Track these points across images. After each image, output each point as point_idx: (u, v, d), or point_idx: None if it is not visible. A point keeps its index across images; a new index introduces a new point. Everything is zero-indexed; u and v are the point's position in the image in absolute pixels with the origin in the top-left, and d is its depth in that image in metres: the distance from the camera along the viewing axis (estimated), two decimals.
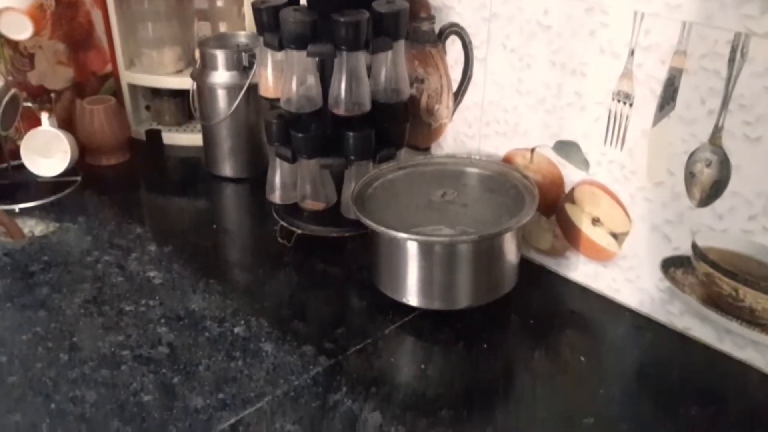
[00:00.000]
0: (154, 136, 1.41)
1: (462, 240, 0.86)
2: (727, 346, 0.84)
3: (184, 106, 1.39)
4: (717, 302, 0.84)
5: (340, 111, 0.97)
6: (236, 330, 0.90)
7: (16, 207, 1.18)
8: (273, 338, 0.88)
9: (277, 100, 1.02)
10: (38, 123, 1.23)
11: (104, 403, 0.78)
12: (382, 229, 0.87)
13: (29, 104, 1.27)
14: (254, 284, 1.01)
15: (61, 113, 1.31)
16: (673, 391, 0.80)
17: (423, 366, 0.85)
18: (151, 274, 1.01)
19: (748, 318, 0.81)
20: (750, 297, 0.80)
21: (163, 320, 0.91)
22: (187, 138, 1.41)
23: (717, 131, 0.77)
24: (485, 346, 0.87)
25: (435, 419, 0.76)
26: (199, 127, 1.34)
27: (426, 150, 1.13)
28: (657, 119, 0.82)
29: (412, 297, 0.90)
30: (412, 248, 0.87)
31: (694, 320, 0.86)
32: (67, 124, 1.30)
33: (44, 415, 0.77)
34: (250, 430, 0.75)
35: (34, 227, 1.13)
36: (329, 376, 0.82)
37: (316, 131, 1.00)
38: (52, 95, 1.31)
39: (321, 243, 1.06)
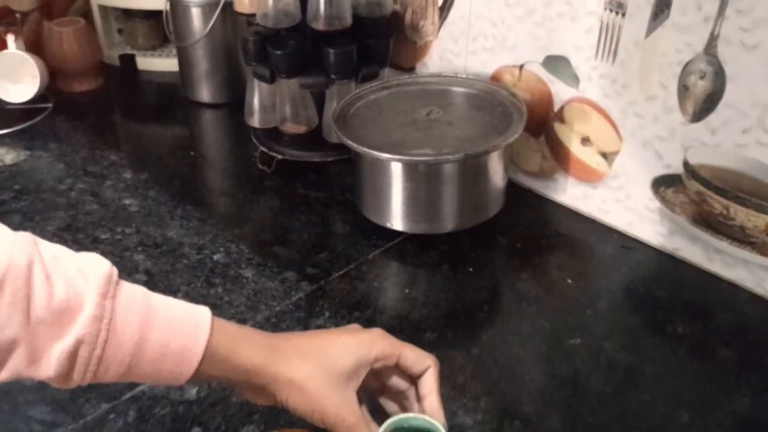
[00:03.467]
0: (128, 61, 1.36)
1: (447, 159, 0.83)
2: (716, 266, 0.83)
3: (158, 28, 1.33)
4: (707, 221, 0.82)
5: (320, 26, 0.92)
6: (215, 257, 0.88)
7: None
8: (254, 264, 0.86)
9: (254, 15, 0.97)
10: (4, 46, 1.18)
11: None
12: (364, 149, 0.83)
13: None
14: (234, 210, 0.98)
15: (28, 36, 1.25)
16: (660, 312, 0.79)
17: (407, 290, 0.83)
18: (127, 201, 0.98)
19: (739, 237, 0.80)
20: (741, 215, 0.78)
21: (140, 248, 0.89)
22: (163, 63, 1.36)
23: (713, 40, 0.74)
24: (471, 269, 0.86)
25: (419, 341, 0.74)
26: (174, 51, 1.29)
27: (411, 70, 1.09)
28: (651, 29, 0.78)
29: (396, 221, 0.88)
30: (396, 169, 0.84)
31: (684, 240, 0.85)
32: (35, 47, 1.24)
33: None
34: None
35: (4, 155, 1.09)
36: (311, 301, 0.80)
37: (294, 48, 0.95)
38: (18, 16, 1.24)
39: (302, 167, 1.03)
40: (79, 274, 0.47)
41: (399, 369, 0.58)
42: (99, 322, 0.46)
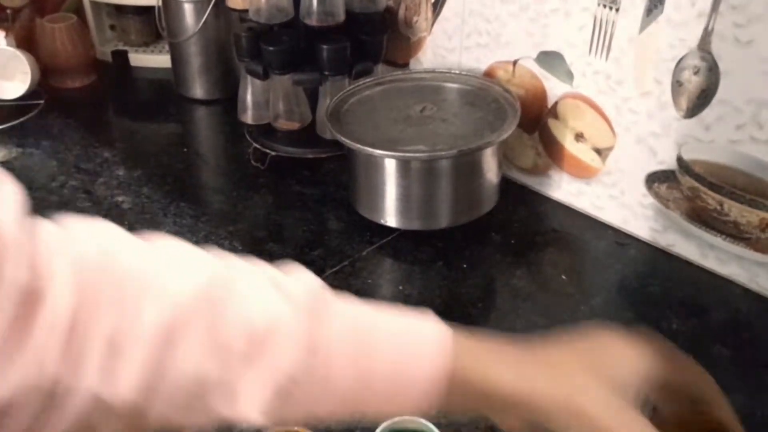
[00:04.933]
0: (121, 57, 1.35)
1: (441, 156, 0.82)
2: (710, 262, 0.83)
3: (151, 24, 1.32)
4: (701, 217, 0.82)
5: (313, 22, 0.92)
6: None
7: None
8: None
9: (247, 11, 0.96)
10: None
11: None
12: (357, 146, 0.83)
13: None
14: (227, 207, 0.98)
15: (19, 32, 1.24)
16: (655, 308, 0.79)
17: (401, 286, 0.83)
18: (120, 198, 0.98)
19: (733, 232, 0.80)
20: (735, 211, 0.78)
21: None
22: (155, 59, 1.35)
23: (707, 35, 0.73)
24: (465, 265, 0.85)
25: None
26: (167, 47, 1.28)
27: (404, 66, 1.09)
28: (644, 24, 0.78)
29: (390, 217, 0.88)
30: (390, 166, 0.84)
31: (678, 236, 0.85)
32: (26, 43, 1.23)
33: None
34: None
35: None
36: None
37: (287, 44, 0.94)
38: (9, 12, 1.23)
39: (296, 164, 1.03)
40: (279, 293, 0.39)
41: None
42: (312, 356, 0.38)
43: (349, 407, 0.40)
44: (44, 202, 0.96)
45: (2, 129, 1.14)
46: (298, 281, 0.40)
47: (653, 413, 0.45)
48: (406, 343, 0.40)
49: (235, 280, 0.39)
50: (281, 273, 0.40)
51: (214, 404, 0.37)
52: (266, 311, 0.38)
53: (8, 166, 1.05)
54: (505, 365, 0.41)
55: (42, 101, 1.20)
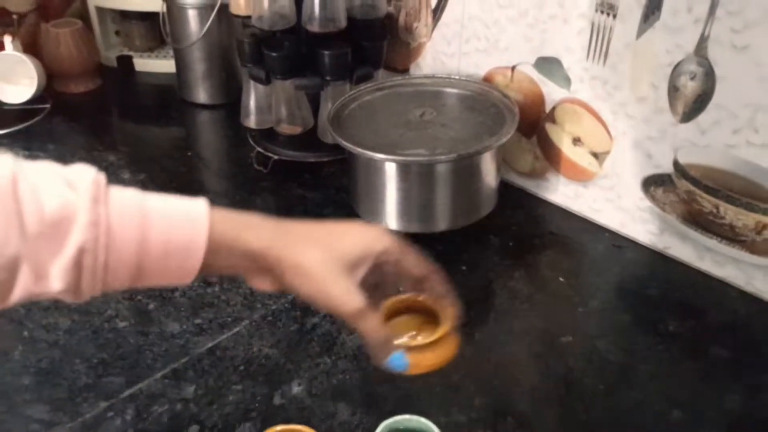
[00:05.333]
0: (126, 62, 1.36)
1: (440, 160, 0.83)
2: (706, 265, 0.84)
3: (155, 29, 1.34)
4: (697, 220, 0.83)
5: (315, 28, 0.93)
6: None
7: None
8: None
9: (250, 17, 0.97)
10: (1, 47, 1.18)
11: (78, 329, 0.77)
12: (358, 150, 0.84)
13: None
14: (231, 210, 0.99)
15: (25, 37, 1.26)
16: (652, 310, 0.80)
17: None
18: None
19: (729, 235, 0.81)
20: (731, 213, 0.79)
21: None
22: (159, 64, 1.36)
23: (703, 41, 0.74)
24: (464, 268, 0.86)
25: None
26: (171, 52, 1.29)
27: (405, 71, 1.10)
28: (641, 30, 0.79)
29: (390, 220, 0.89)
30: (390, 169, 0.85)
31: (674, 239, 0.86)
32: (32, 48, 1.25)
33: (16, 342, 0.76)
34: (228, 354, 0.74)
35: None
36: None
37: (290, 50, 0.96)
38: (15, 17, 1.25)
39: (298, 168, 1.04)
40: (67, 185, 0.46)
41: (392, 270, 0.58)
42: (96, 228, 0.46)
43: (134, 276, 0.48)
44: None
45: (8, 133, 1.15)
46: (82, 174, 0.48)
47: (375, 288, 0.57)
48: (173, 214, 0.49)
49: (30, 176, 0.45)
50: (69, 169, 0.48)
51: (22, 281, 0.45)
52: (56, 197, 0.45)
53: None
54: (254, 230, 0.52)
55: (47, 105, 1.22)
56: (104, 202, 0.47)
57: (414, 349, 0.56)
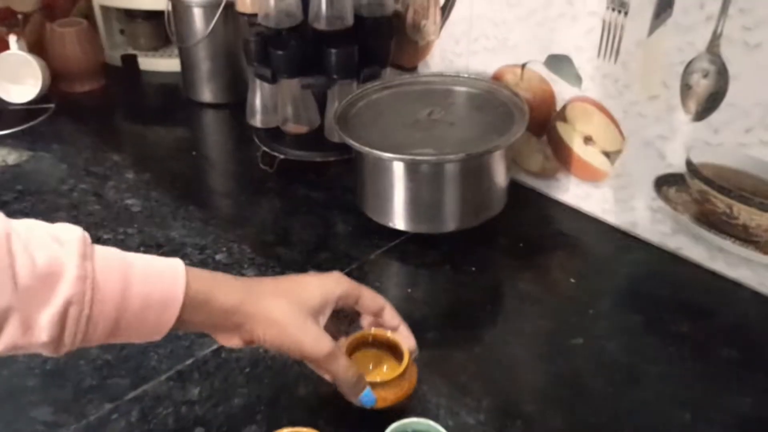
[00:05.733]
0: (130, 61, 1.36)
1: (449, 159, 0.82)
2: (719, 266, 0.83)
3: (160, 29, 1.33)
4: (710, 220, 0.82)
5: (321, 26, 0.92)
6: (218, 257, 0.88)
7: None
8: (255, 264, 0.86)
9: (255, 16, 0.97)
10: (6, 47, 1.18)
11: None
12: (366, 149, 0.83)
13: None
14: (236, 210, 0.98)
15: (30, 37, 1.25)
16: (663, 311, 0.79)
17: (409, 290, 0.83)
18: (129, 201, 0.98)
19: (742, 236, 0.80)
20: (744, 214, 0.78)
21: (142, 248, 0.89)
22: (165, 63, 1.36)
23: (715, 38, 0.73)
24: (473, 269, 0.86)
25: (420, 341, 0.74)
26: (176, 51, 1.29)
27: (412, 70, 1.09)
28: (653, 28, 0.78)
29: (398, 220, 0.88)
30: (398, 169, 0.84)
31: (687, 239, 0.85)
32: (37, 48, 1.25)
33: None
34: (233, 356, 0.73)
35: (6, 156, 1.09)
36: None
37: (296, 48, 0.95)
38: (20, 17, 1.24)
39: (304, 168, 1.03)
40: (55, 242, 0.49)
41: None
42: (83, 282, 0.48)
43: (112, 329, 0.51)
44: (54, 205, 0.97)
45: (13, 132, 1.15)
46: (68, 230, 0.50)
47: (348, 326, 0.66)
48: (153, 269, 0.53)
49: (21, 231, 0.48)
50: (55, 226, 0.51)
51: (9, 332, 0.47)
52: (46, 252, 0.48)
53: (19, 169, 1.06)
54: (225, 288, 0.57)
55: (52, 105, 1.21)
56: (91, 258, 0.50)
57: (379, 385, 0.62)
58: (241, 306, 0.56)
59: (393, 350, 0.65)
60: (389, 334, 0.65)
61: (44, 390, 0.69)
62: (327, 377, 0.61)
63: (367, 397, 0.61)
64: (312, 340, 0.58)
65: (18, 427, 0.66)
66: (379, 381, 0.62)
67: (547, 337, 0.76)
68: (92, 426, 0.66)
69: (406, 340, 0.65)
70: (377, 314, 0.65)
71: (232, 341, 0.58)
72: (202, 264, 0.86)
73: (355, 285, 0.64)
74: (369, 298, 0.64)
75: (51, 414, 0.67)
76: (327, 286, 0.61)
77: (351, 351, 0.64)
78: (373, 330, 0.65)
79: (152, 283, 0.52)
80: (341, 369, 0.59)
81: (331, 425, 0.65)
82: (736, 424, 0.66)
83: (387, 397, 0.62)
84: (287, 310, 0.57)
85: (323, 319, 0.60)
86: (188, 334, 0.76)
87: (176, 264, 0.54)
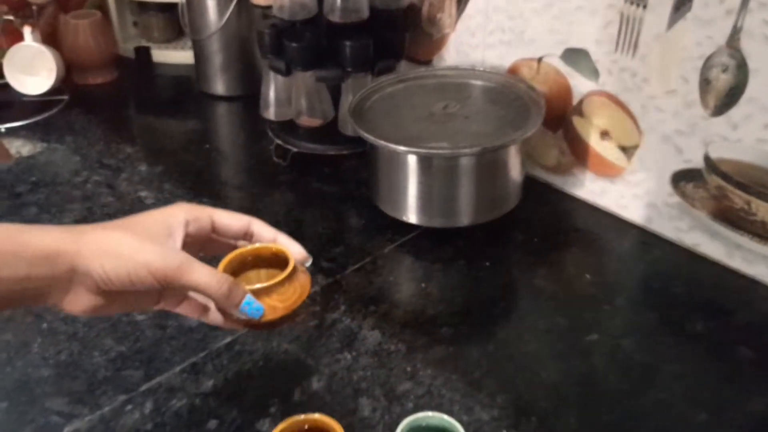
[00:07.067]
0: (144, 53, 1.36)
1: (464, 153, 0.82)
2: (736, 262, 0.82)
3: (173, 20, 1.33)
4: (728, 217, 0.81)
5: (336, 18, 0.92)
6: None
7: (2, 127, 1.14)
8: None
9: (270, 8, 0.96)
10: (20, 38, 1.18)
11: (97, 322, 0.77)
12: (380, 142, 0.83)
13: (10, 18, 1.21)
14: (248, 203, 0.98)
15: (44, 28, 1.25)
16: (679, 308, 0.78)
17: (423, 284, 0.83)
18: (143, 194, 0.98)
19: (760, 232, 0.79)
20: (763, 210, 0.77)
21: None
22: (178, 55, 1.35)
23: (735, 33, 0.72)
24: (487, 264, 0.85)
25: (435, 337, 0.74)
26: (189, 43, 1.29)
27: (427, 63, 1.08)
28: (672, 21, 0.77)
29: (412, 214, 0.87)
30: (412, 162, 0.84)
31: (704, 236, 0.84)
32: (51, 39, 1.25)
33: (35, 335, 0.75)
34: (247, 349, 0.73)
35: (20, 147, 1.10)
36: (327, 295, 0.80)
37: (310, 40, 0.94)
38: (34, 8, 1.25)
39: (318, 161, 1.03)
40: None
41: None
42: None
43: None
44: (68, 196, 0.97)
45: (27, 124, 1.15)
46: None
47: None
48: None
49: None
50: None
51: None
52: None
53: (33, 161, 1.06)
54: (38, 233, 0.49)
55: (66, 97, 1.22)
56: None
57: (264, 292, 0.52)
58: (62, 244, 0.48)
59: (282, 264, 0.55)
60: (268, 245, 0.56)
61: (58, 381, 0.70)
62: (202, 301, 0.55)
63: (249, 305, 0.52)
64: (158, 256, 0.49)
65: (32, 417, 0.66)
66: (259, 287, 0.52)
67: (561, 333, 0.75)
68: (106, 417, 0.66)
69: (290, 246, 0.56)
70: (247, 235, 0.57)
71: (80, 300, 0.50)
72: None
73: (205, 207, 0.56)
74: (226, 217, 0.56)
75: (65, 405, 0.67)
76: (167, 211, 0.54)
77: (234, 273, 0.55)
78: (248, 246, 0.56)
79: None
80: (204, 277, 0.50)
81: (346, 419, 0.65)
82: (750, 424, 0.65)
83: (276, 306, 0.52)
84: (122, 237, 0.50)
85: (173, 242, 0.52)
86: (201, 326, 0.76)
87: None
